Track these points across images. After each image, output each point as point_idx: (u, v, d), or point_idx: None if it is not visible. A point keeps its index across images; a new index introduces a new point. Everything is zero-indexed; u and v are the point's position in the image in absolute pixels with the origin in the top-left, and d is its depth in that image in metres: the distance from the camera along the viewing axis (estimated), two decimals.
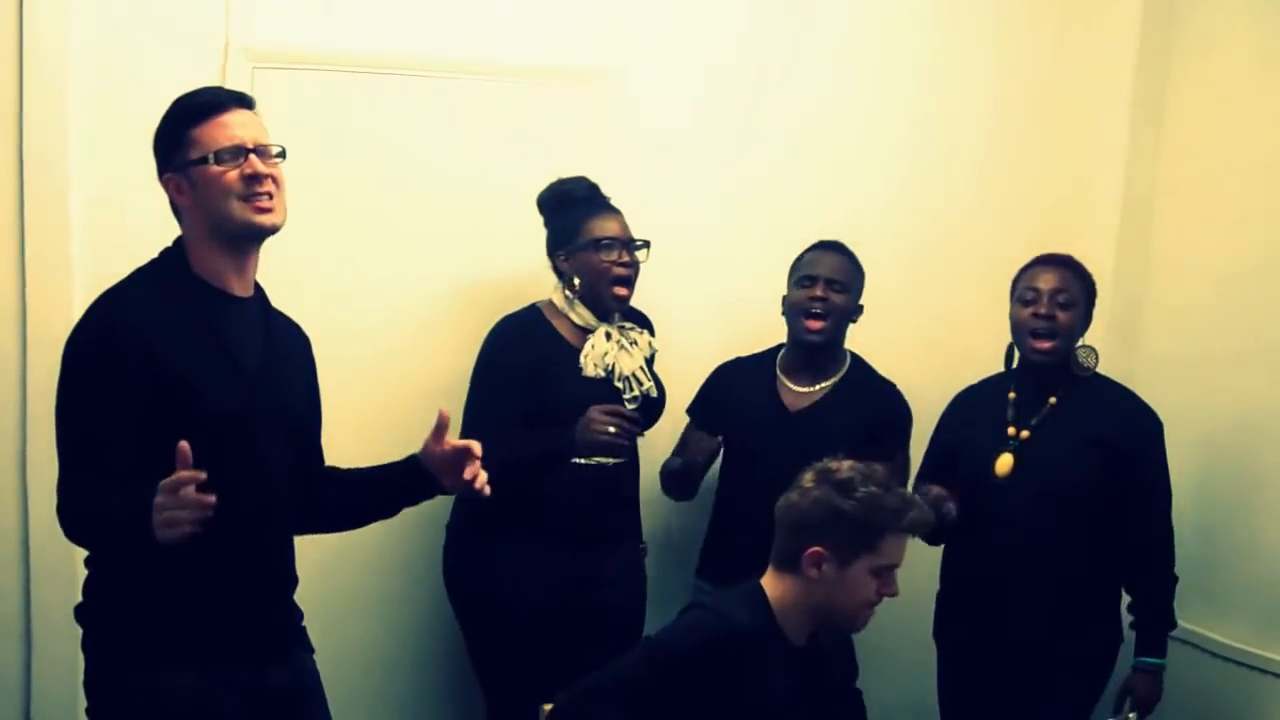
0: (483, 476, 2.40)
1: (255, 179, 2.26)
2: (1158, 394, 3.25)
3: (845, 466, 2.51)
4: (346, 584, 3.44)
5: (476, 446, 2.40)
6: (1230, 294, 3.55)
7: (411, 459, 2.48)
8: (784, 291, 3.35)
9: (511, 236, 3.44)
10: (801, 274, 3.31)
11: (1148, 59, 3.78)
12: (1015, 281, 3.19)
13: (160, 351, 2.19)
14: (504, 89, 3.49)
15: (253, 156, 2.26)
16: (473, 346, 3.25)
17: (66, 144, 3.14)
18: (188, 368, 2.22)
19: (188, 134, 2.27)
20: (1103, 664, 3.15)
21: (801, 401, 3.32)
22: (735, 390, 3.37)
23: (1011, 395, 3.18)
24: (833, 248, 3.33)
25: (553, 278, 3.30)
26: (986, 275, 3.30)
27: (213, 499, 2.04)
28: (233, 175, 2.25)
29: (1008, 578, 3.09)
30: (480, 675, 3.27)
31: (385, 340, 3.47)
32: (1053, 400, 3.14)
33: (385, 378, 3.47)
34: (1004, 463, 3.12)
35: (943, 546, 3.27)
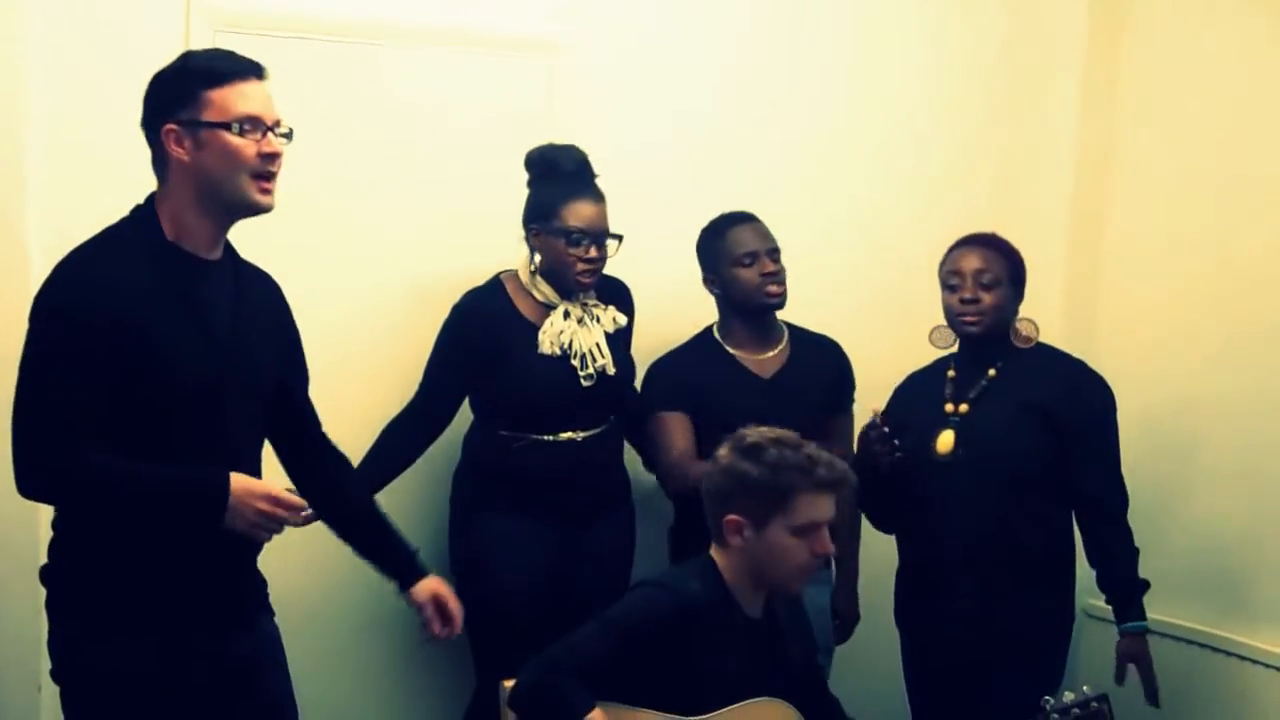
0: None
1: (271, 157, 2.25)
2: (1112, 377, 3.24)
3: (754, 432, 2.55)
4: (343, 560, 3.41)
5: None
6: (1183, 278, 3.59)
7: (412, 565, 2.59)
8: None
9: (468, 208, 3.45)
10: (741, 253, 3.30)
11: (1098, 34, 3.83)
12: (941, 266, 3.18)
13: (131, 321, 2.16)
14: (459, 59, 3.48)
15: (270, 135, 2.25)
16: (434, 323, 3.26)
17: (25, 119, 3.05)
18: (160, 338, 2.19)
19: (202, 93, 2.21)
20: (1057, 642, 3.13)
21: (769, 368, 3.36)
22: (695, 374, 3.34)
23: (951, 374, 3.18)
24: (748, 219, 3.36)
25: (517, 247, 3.30)
26: (936, 256, 3.30)
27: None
28: (251, 149, 2.23)
29: (957, 557, 3.07)
30: (473, 648, 3.25)
31: (345, 316, 3.41)
32: (992, 372, 3.13)
33: (345, 356, 3.39)
34: (944, 440, 3.10)
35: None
